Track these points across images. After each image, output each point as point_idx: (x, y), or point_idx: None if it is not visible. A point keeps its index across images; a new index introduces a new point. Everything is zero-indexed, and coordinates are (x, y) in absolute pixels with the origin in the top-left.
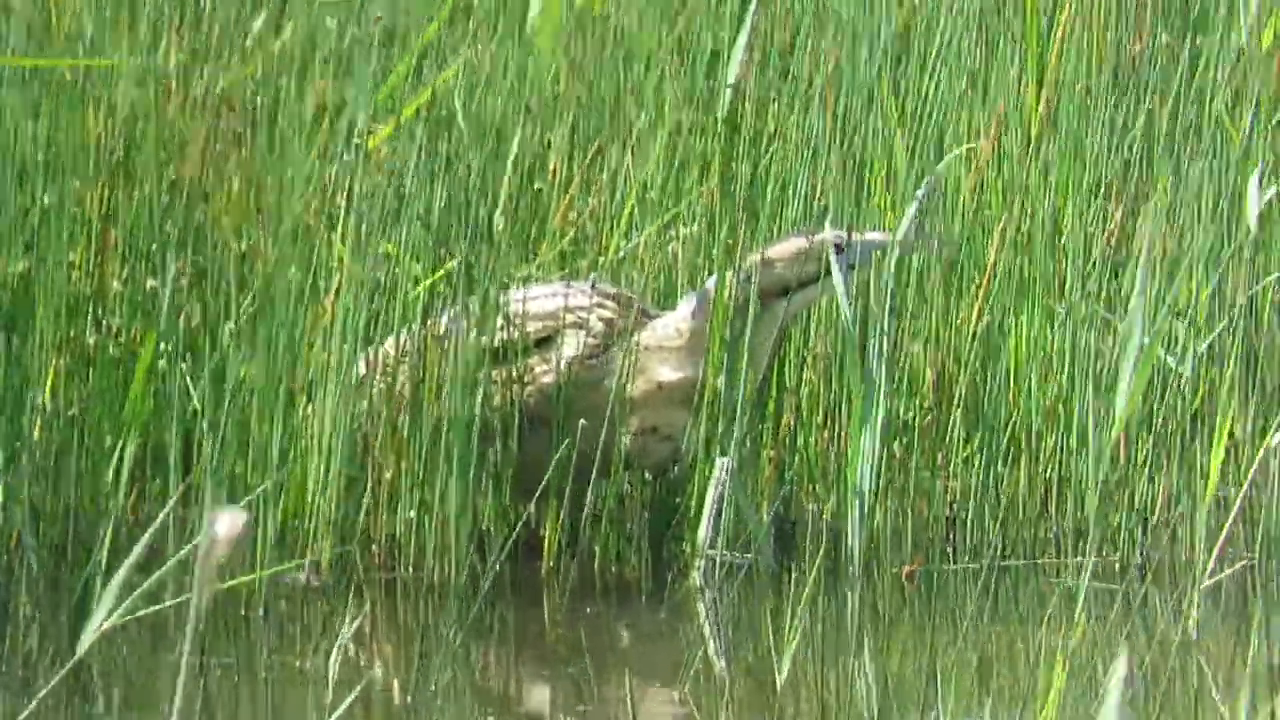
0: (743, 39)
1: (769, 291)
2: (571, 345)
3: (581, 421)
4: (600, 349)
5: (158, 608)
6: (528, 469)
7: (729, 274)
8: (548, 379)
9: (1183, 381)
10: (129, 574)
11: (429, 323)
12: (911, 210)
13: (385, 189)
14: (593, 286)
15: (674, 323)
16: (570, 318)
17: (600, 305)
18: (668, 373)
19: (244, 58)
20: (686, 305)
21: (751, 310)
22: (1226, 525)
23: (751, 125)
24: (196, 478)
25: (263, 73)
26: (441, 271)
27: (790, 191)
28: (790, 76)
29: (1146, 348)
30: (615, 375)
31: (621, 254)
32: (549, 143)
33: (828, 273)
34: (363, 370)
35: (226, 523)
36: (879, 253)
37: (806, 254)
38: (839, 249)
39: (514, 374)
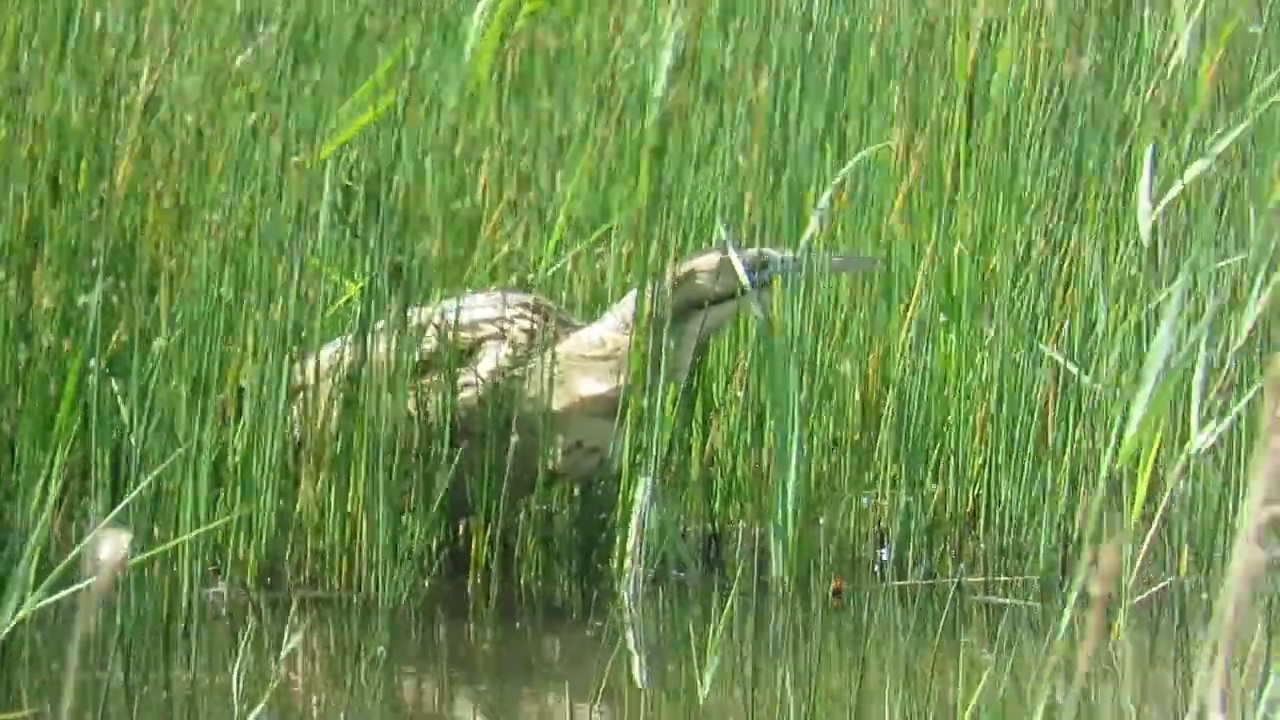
0: (668, 55)
1: (688, 304)
2: (492, 357)
3: (514, 437)
4: (522, 360)
5: (61, 595)
6: (454, 483)
7: (650, 286)
8: (469, 391)
9: (1098, 398)
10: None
11: (361, 337)
12: (814, 221)
13: (313, 204)
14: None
15: (597, 334)
16: (491, 329)
17: (521, 316)
18: (589, 385)
19: (177, 74)
20: (611, 316)
21: (687, 321)
22: (1146, 543)
23: (679, 141)
24: (125, 493)
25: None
26: (360, 285)
27: (717, 207)
28: (718, 92)
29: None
30: (536, 385)
31: (550, 270)
32: (478, 162)
33: (748, 287)
34: (296, 381)
35: (110, 545)
36: (796, 267)
37: (726, 268)
38: (761, 265)
39: (438, 384)
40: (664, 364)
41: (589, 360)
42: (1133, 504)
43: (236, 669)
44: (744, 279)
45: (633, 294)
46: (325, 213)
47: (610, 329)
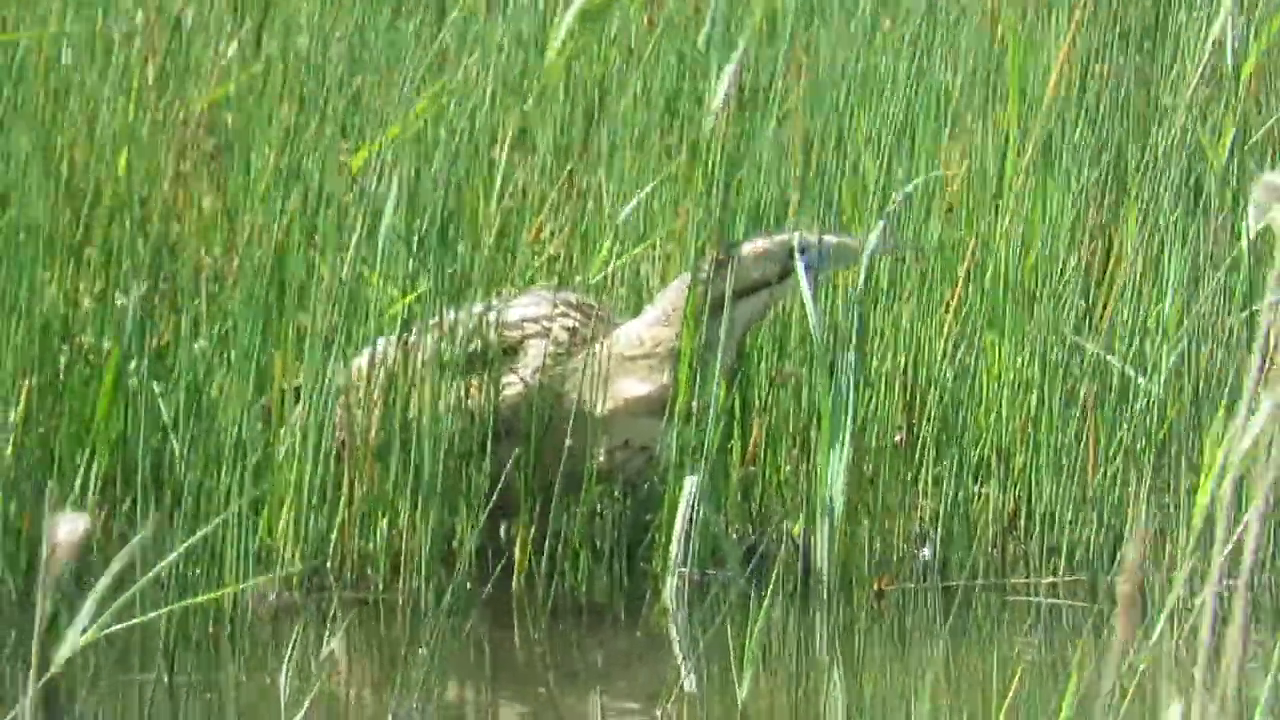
0: (729, 71)
1: (733, 292)
2: (535, 355)
3: (568, 441)
4: (564, 358)
5: (128, 624)
6: (497, 483)
7: (694, 276)
8: (513, 390)
9: (1152, 400)
10: (103, 593)
11: (403, 337)
12: (881, 223)
13: (361, 208)
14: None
15: (635, 331)
16: (533, 327)
17: (564, 314)
18: (633, 386)
19: (219, 78)
20: (650, 311)
21: (727, 311)
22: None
23: (723, 144)
24: (170, 496)
25: (237, 92)
26: (415, 294)
27: (761, 209)
28: (763, 95)
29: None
30: (579, 386)
31: (594, 280)
32: (519, 163)
33: (790, 274)
34: (341, 382)
35: (67, 528)
36: (844, 255)
37: (769, 255)
38: (802, 250)
39: (482, 385)
40: (714, 356)
41: (629, 360)
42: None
43: (283, 672)
44: (800, 269)
45: (670, 287)
46: (386, 219)
47: (649, 324)
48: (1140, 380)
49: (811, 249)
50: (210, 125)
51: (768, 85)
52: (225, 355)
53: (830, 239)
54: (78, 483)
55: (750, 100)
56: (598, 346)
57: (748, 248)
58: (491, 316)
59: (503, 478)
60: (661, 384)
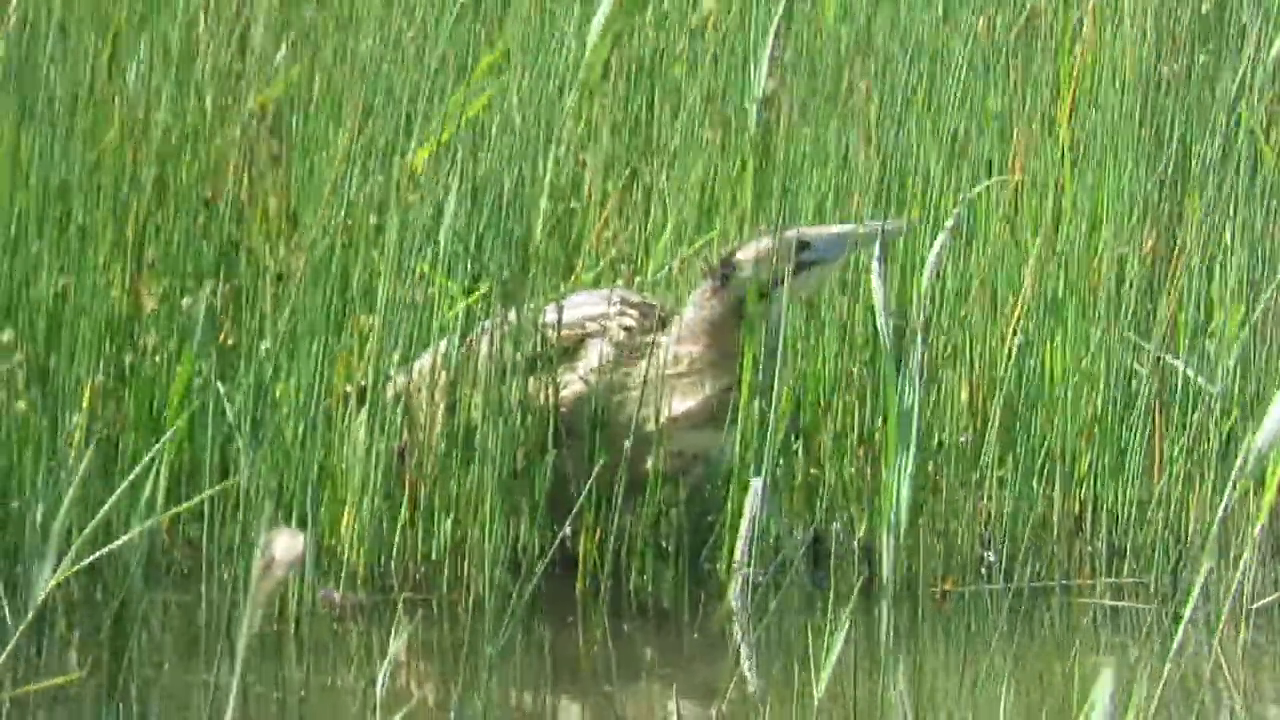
0: (766, 53)
1: (741, 298)
2: (595, 354)
3: (627, 442)
4: (621, 361)
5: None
6: (560, 485)
7: (705, 282)
8: (573, 389)
9: (1214, 401)
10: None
11: (466, 339)
12: (941, 237)
13: (421, 207)
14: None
15: (672, 350)
16: (594, 326)
17: (623, 313)
18: (677, 404)
19: (277, 76)
20: (674, 330)
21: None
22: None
23: (785, 143)
24: (233, 496)
25: (298, 92)
26: (478, 294)
27: (825, 207)
28: (824, 92)
29: None
30: (631, 391)
31: (657, 276)
32: (584, 163)
33: (804, 269)
34: (401, 385)
35: (285, 544)
36: (847, 246)
37: (772, 254)
38: (803, 245)
39: (543, 384)
40: (763, 358)
41: (672, 377)
42: (1259, 512)
43: (348, 672)
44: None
45: (688, 303)
46: (448, 218)
47: (676, 342)
48: (1203, 381)
49: (812, 243)
50: (272, 127)
51: (826, 76)
52: (290, 355)
53: (829, 231)
54: (144, 484)
55: (809, 94)
56: (647, 361)
57: (747, 251)
58: (551, 316)
59: (565, 478)
60: (703, 397)
